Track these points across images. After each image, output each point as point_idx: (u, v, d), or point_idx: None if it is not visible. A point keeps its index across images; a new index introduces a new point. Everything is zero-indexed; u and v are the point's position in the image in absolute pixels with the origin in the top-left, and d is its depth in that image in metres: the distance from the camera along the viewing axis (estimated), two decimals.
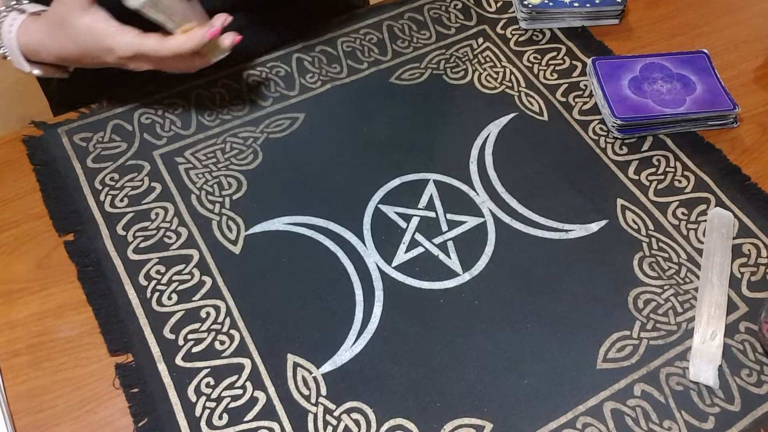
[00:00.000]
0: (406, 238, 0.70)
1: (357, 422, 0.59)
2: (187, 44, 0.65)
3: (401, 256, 0.69)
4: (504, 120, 0.79)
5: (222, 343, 0.63)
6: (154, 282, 0.66)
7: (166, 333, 0.63)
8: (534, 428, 0.59)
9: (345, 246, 0.69)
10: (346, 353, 0.63)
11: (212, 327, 0.64)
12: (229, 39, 0.70)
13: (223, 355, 0.62)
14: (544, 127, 0.79)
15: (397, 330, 0.64)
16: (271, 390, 0.61)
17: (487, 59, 0.85)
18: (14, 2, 0.67)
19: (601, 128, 0.79)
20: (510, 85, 0.83)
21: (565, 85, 0.83)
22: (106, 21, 0.64)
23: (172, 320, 0.64)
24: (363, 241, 0.69)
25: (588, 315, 0.66)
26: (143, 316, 0.64)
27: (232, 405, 0.60)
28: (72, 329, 0.63)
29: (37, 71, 0.69)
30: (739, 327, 0.66)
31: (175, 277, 0.66)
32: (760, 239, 0.71)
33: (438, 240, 0.70)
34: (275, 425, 0.59)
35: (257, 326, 0.64)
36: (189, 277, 0.66)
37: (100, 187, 0.72)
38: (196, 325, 0.64)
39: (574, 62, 0.85)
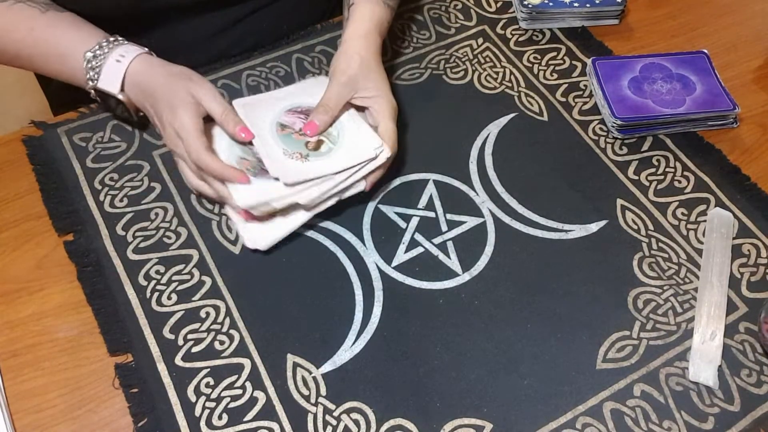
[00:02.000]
0: (406, 238, 0.70)
1: (357, 422, 0.59)
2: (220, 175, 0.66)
3: (401, 256, 0.69)
4: (504, 120, 0.79)
5: (222, 343, 0.63)
6: (153, 282, 0.66)
7: (166, 333, 0.63)
8: (534, 428, 0.59)
9: (345, 246, 0.69)
10: (345, 353, 0.63)
11: (212, 327, 0.64)
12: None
13: (223, 355, 0.62)
14: (544, 128, 0.79)
15: (397, 330, 0.64)
16: (271, 390, 0.61)
17: (487, 59, 0.85)
18: (113, 39, 0.70)
19: (600, 128, 0.79)
20: (510, 85, 0.83)
21: (565, 85, 0.83)
22: (196, 119, 0.66)
23: (172, 320, 0.64)
24: (363, 241, 0.69)
25: (588, 315, 0.65)
26: (143, 316, 0.64)
27: (232, 405, 0.60)
28: (71, 329, 0.63)
29: (122, 97, 0.70)
30: (739, 327, 0.66)
31: (174, 277, 0.66)
32: (760, 239, 0.71)
33: (438, 240, 0.70)
34: (275, 425, 0.59)
35: (257, 326, 0.64)
36: (189, 277, 0.66)
37: (99, 187, 0.72)
38: (195, 325, 0.64)
39: (574, 62, 0.85)
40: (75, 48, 0.70)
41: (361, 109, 0.72)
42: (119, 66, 0.69)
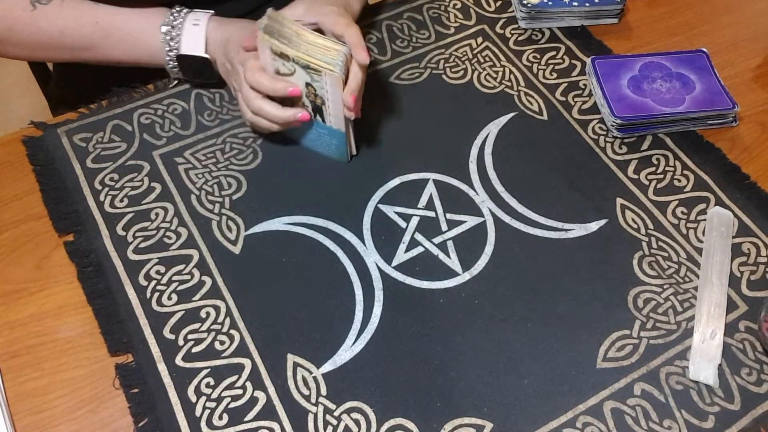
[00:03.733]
0: (406, 237, 0.70)
1: (357, 422, 0.59)
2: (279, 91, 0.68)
3: (401, 255, 0.69)
4: (503, 119, 0.79)
5: (222, 343, 0.63)
6: (154, 282, 0.66)
7: (166, 333, 0.63)
8: (534, 428, 0.59)
9: (345, 246, 0.69)
10: (346, 353, 0.63)
11: (212, 327, 0.64)
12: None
13: (223, 355, 0.62)
14: (544, 127, 0.79)
15: (397, 330, 0.64)
16: (271, 390, 0.61)
17: (487, 59, 0.85)
18: (180, 9, 0.74)
19: (600, 127, 0.79)
20: (509, 84, 0.83)
21: (565, 85, 0.83)
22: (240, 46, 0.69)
23: (172, 320, 0.64)
24: (363, 241, 0.69)
25: (588, 314, 0.66)
26: (143, 316, 0.64)
27: (232, 405, 0.60)
28: (72, 330, 0.63)
29: (209, 55, 0.74)
30: (739, 326, 0.66)
31: (175, 277, 0.66)
32: (760, 238, 0.71)
33: (438, 240, 0.70)
34: (275, 425, 0.59)
35: (257, 326, 0.64)
36: (189, 277, 0.66)
37: (99, 188, 0.72)
38: (196, 325, 0.64)
39: (573, 61, 0.85)
40: (148, 26, 0.73)
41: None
42: (198, 29, 0.73)
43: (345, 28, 0.68)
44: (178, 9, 0.74)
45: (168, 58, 0.74)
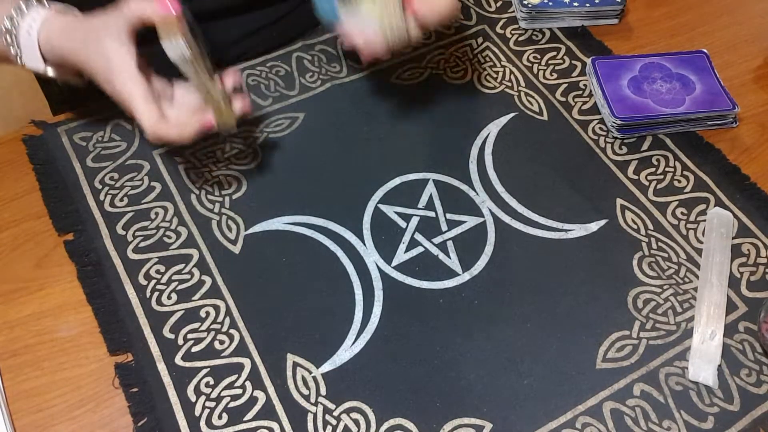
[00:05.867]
0: (406, 237, 0.70)
1: (357, 422, 0.59)
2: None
3: (401, 255, 0.69)
4: (504, 120, 0.79)
5: (221, 342, 0.63)
6: (153, 281, 0.66)
7: (166, 332, 0.63)
8: (533, 428, 0.59)
9: (345, 246, 0.69)
10: (345, 353, 0.63)
11: (212, 326, 0.64)
12: (240, 105, 0.65)
13: (223, 354, 0.62)
14: (544, 127, 0.79)
15: (397, 330, 0.64)
16: (271, 390, 0.61)
17: (487, 59, 0.85)
18: (17, 7, 0.63)
19: (600, 128, 0.79)
20: (510, 84, 0.83)
21: (565, 85, 0.83)
22: (126, 58, 0.60)
23: (172, 320, 0.64)
24: (363, 241, 0.69)
25: (587, 315, 0.66)
26: (143, 315, 0.64)
27: (232, 404, 0.60)
28: (71, 329, 0.63)
29: (52, 72, 0.65)
30: (739, 327, 0.66)
31: (174, 277, 0.66)
32: (760, 239, 0.71)
33: (438, 240, 0.70)
34: (275, 425, 0.59)
35: (257, 326, 0.64)
36: (189, 276, 0.66)
37: (99, 187, 0.72)
38: (195, 325, 0.64)
39: (573, 62, 0.85)
40: None
41: None
42: (31, 40, 0.62)
43: None
44: (21, 5, 0.62)
45: (21, 65, 0.64)
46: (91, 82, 0.64)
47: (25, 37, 0.62)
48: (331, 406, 0.60)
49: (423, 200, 0.73)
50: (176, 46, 0.60)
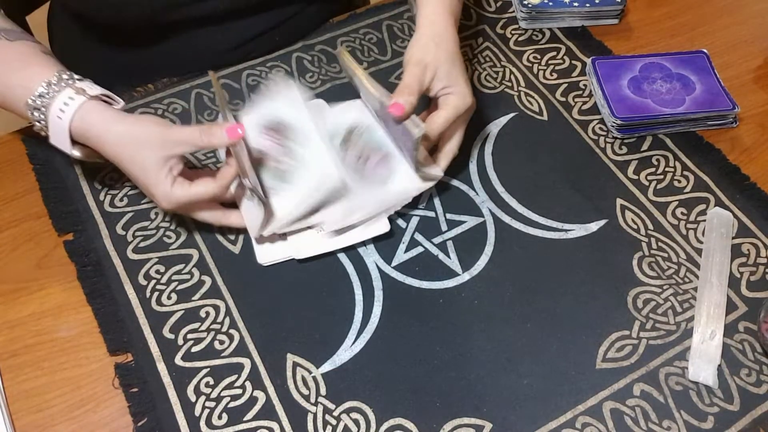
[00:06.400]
0: (406, 237, 0.70)
1: (356, 422, 0.59)
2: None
3: (401, 255, 0.69)
4: (503, 120, 0.79)
5: (221, 342, 0.63)
6: (153, 281, 0.66)
7: (166, 332, 0.63)
8: (533, 428, 0.59)
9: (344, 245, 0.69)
10: (345, 353, 0.63)
11: (212, 327, 0.64)
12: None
13: (223, 354, 0.62)
14: (544, 127, 0.79)
15: (397, 330, 0.64)
16: (271, 390, 0.61)
17: (487, 59, 0.85)
18: (67, 77, 0.61)
19: (600, 128, 0.79)
20: (509, 84, 0.83)
21: (565, 85, 0.83)
22: (166, 174, 0.60)
23: (172, 320, 0.64)
24: (363, 241, 0.69)
25: (587, 315, 0.66)
26: (143, 315, 0.64)
27: (232, 404, 0.60)
28: (71, 329, 0.63)
29: (78, 154, 0.63)
30: (739, 327, 0.66)
31: (174, 277, 0.66)
32: (760, 239, 0.71)
33: (437, 240, 0.70)
34: (275, 425, 0.59)
35: (257, 326, 0.64)
36: (188, 276, 0.66)
37: (99, 187, 0.72)
38: (195, 325, 0.64)
39: (573, 62, 0.85)
40: (19, 92, 0.60)
41: (435, 102, 0.69)
42: (61, 124, 0.59)
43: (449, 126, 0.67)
44: (52, 81, 0.59)
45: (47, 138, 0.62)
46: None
47: (54, 120, 0.59)
48: (331, 406, 0.60)
49: (423, 200, 0.73)
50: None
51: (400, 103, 0.62)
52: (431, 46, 0.66)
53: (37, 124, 0.61)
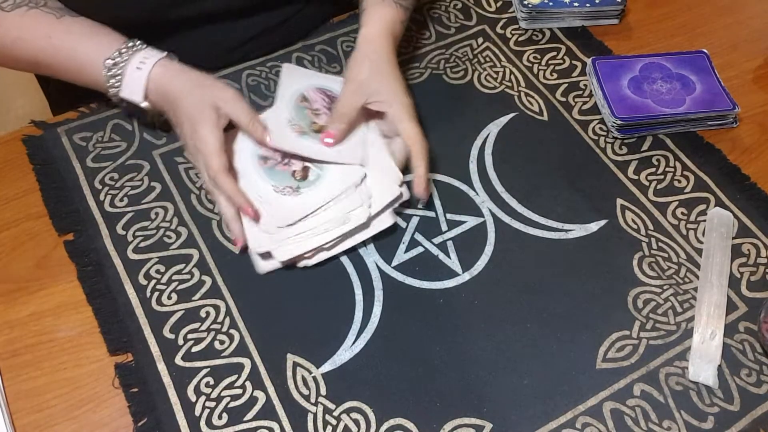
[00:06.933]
0: (406, 237, 0.70)
1: (356, 422, 0.59)
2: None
3: (401, 255, 0.69)
4: (504, 120, 0.79)
5: (222, 342, 0.63)
6: (153, 281, 0.66)
7: (166, 332, 0.63)
8: (533, 428, 0.59)
9: None
10: (345, 353, 0.63)
11: (212, 326, 0.64)
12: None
13: (223, 354, 0.62)
14: (544, 127, 0.79)
15: (397, 330, 0.64)
16: (271, 390, 0.61)
17: (487, 59, 0.85)
18: (132, 44, 0.68)
19: (600, 128, 0.79)
20: (510, 84, 0.83)
21: (565, 85, 0.83)
22: (216, 135, 0.65)
23: (172, 320, 0.64)
24: (363, 241, 0.69)
25: (587, 315, 0.66)
26: (143, 315, 0.64)
27: (232, 404, 0.60)
28: (71, 329, 0.63)
29: (145, 105, 0.69)
30: (739, 327, 0.66)
31: (174, 277, 0.66)
32: (760, 239, 0.71)
33: (438, 240, 0.70)
34: (275, 425, 0.59)
35: (257, 326, 0.64)
36: (189, 276, 0.66)
37: (99, 187, 0.72)
38: (195, 325, 0.64)
39: (573, 62, 0.85)
40: (94, 56, 0.68)
41: (380, 115, 0.71)
42: (140, 74, 0.67)
43: (412, 141, 0.69)
44: (129, 45, 0.68)
45: (111, 94, 0.69)
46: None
47: (131, 71, 0.67)
48: (331, 406, 0.60)
49: (422, 202, 0.73)
50: None
51: (331, 132, 0.69)
52: (366, 64, 0.70)
53: (110, 79, 0.68)
